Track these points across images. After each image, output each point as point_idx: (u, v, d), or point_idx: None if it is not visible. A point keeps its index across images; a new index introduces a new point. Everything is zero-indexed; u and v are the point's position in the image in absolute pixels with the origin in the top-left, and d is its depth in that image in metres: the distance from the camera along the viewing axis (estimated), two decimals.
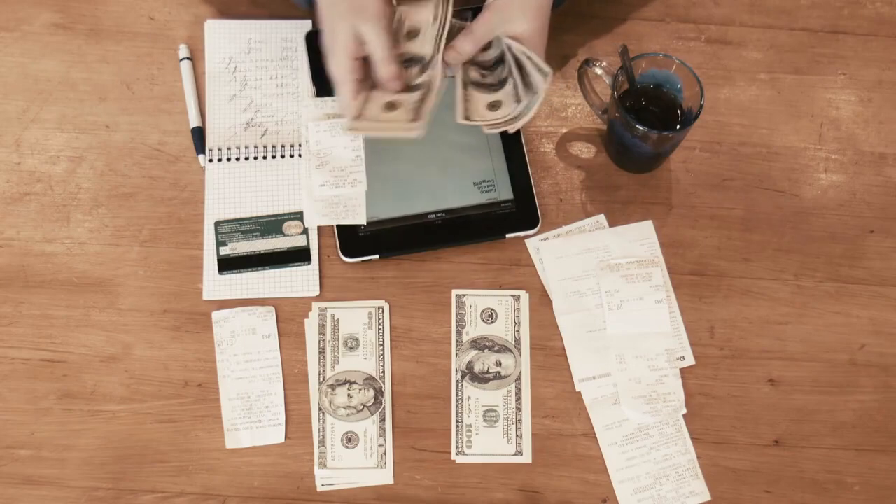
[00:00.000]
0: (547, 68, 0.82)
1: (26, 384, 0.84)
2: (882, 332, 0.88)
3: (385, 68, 0.82)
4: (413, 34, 0.85)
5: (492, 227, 0.89)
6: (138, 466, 0.82)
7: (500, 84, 0.86)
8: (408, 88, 0.84)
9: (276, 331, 0.86)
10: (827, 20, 1.00)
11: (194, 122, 0.92)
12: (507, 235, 0.89)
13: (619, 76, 0.86)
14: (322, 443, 0.83)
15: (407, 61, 0.85)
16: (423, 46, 0.85)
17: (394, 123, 0.83)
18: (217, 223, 0.89)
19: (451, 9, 0.85)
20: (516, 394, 0.85)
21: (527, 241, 0.90)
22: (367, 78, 0.83)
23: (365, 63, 0.83)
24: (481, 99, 0.86)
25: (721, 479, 0.83)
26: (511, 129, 0.85)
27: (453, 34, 0.86)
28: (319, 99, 0.92)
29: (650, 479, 0.82)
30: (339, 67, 0.82)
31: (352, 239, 0.88)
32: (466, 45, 0.85)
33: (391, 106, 0.83)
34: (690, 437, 0.84)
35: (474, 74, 0.87)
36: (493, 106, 0.85)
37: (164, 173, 0.91)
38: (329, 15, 0.82)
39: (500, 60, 0.87)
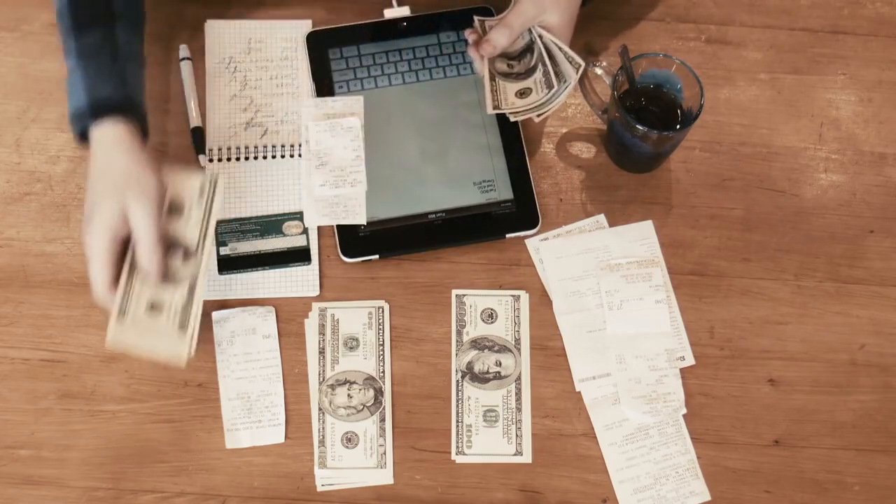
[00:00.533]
0: (579, 60, 0.85)
1: (26, 384, 0.84)
2: (882, 332, 0.88)
3: (148, 256, 0.74)
4: (176, 209, 0.79)
5: (492, 227, 0.89)
6: (138, 466, 0.82)
7: (528, 73, 0.87)
8: (170, 282, 0.77)
9: (276, 331, 0.86)
10: (827, 20, 1.00)
11: (194, 122, 0.92)
12: (507, 235, 0.89)
13: (619, 76, 0.86)
14: (322, 443, 0.83)
15: (169, 248, 0.78)
16: (186, 228, 0.78)
17: (159, 338, 0.76)
18: (217, 223, 0.89)
19: (218, 189, 0.79)
20: (516, 394, 0.85)
21: (527, 241, 0.90)
22: (122, 261, 0.76)
23: (123, 246, 0.76)
24: (510, 88, 0.87)
25: (721, 479, 0.83)
26: (538, 117, 0.87)
27: (484, 32, 0.87)
28: (319, 99, 0.92)
29: (650, 479, 0.82)
30: (97, 245, 0.74)
31: (352, 239, 0.88)
32: (502, 38, 0.85)
33: (155, 307, 0.76)
34: (690, 437, 0.84)
35: (501, 66, 0.88)
36: (523, 94, 0.87)
37: None
38: (96, 184, 0.75)
39: (527, 50, 0.88)
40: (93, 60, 0.79)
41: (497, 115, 0.90)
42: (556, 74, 0.86)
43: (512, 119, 0.88)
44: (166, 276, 0.77)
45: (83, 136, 0.78)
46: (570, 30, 0.87)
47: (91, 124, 0.77)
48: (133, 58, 0.82)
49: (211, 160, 0.91)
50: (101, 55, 0.79)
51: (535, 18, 0.85)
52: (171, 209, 0.78)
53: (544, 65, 0.86)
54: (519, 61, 0.89)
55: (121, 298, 0.76)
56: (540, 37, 0.86)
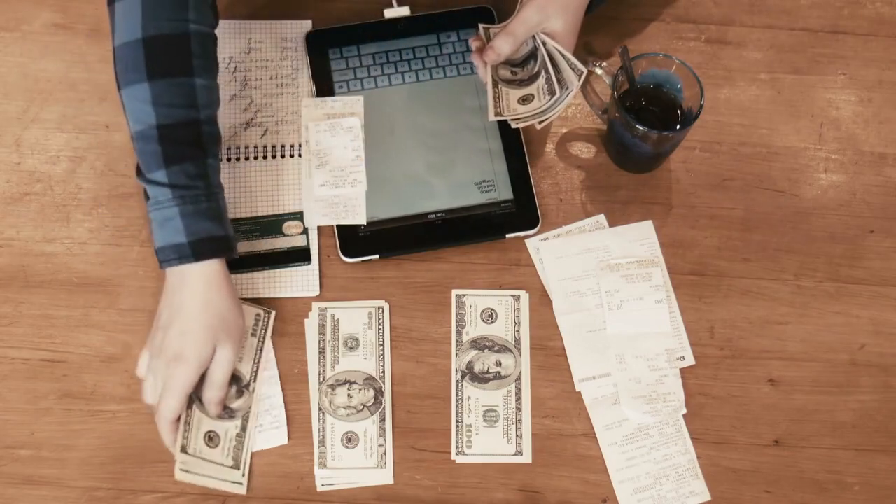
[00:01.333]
0: (582, 67, 0.84)
1: (26, 384, 0.84)
2: (882, 332, 0.88)
3: (218, 394, 0.78)
4: None
5: (492, 227, 0.89)
6: (138, 466, 0.82)
7: (531, 80, 0.87)
8: (225, 413, 0.80)
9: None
10: (827, 20, 1.00)
11: None
12: (507, 235, 0.89)
13: (619, 76, 0.86)
14: (322, 443, 0.83)
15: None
16: (241, 363, 0.82)
17: (217, 469, 0.79)
18: None
19: (270, 324, 0.83)
20: (516, 394, 0.85)
21: (527, 241, 0.90)
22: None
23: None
24: (513, 95, 0.87)
25: (721, 479, 0.83)
26: (539, 124, 0.87)
27: (488, 39, 0.87)
28: (319, 99, 0.93)
29: (650, 479, 0.82)
30: (188, 377, 0.75)
31: (352, 239, 0.88)
32: (505, 45, 0.85)
33: (211, 438, 0.79)
34: (690, 437, 0.84)
35: (504, 73, 0.88)
36: (525, 100, 0.87)
37: None
38: (194, 319, 0.76)
39: (530, 57, 0.88)
40: (188, 195, 0.76)
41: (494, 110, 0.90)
42: (559, 81, 0.85)
43: (514, 126, 0.88)
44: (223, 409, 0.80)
45: (173, 266, 0.77)
46: (574, 37, 0.87)
47: (190, 263, 0.76)
48: (221, 185, 0.80)
49: None
50: (195, 189, 0.76)
51: (539, 25, 0.85)
52: None
53: (547, 71, 0.86)
54: (522, 68, 0.89)
55: (184, 431, 0.77)
56: (543, 43, 0.86)
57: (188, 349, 0.75)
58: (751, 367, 0.87)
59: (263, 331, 0.84)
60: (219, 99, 0.81)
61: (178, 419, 0.77)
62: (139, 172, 0.77)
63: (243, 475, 0.80)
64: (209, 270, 0.77)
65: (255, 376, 0.83)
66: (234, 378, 0.81)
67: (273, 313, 0.85)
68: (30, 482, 0.81)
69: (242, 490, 0.80)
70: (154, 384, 0.77)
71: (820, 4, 1.00)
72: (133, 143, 0.78)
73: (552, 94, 0.85)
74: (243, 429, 0.81)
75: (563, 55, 0.85)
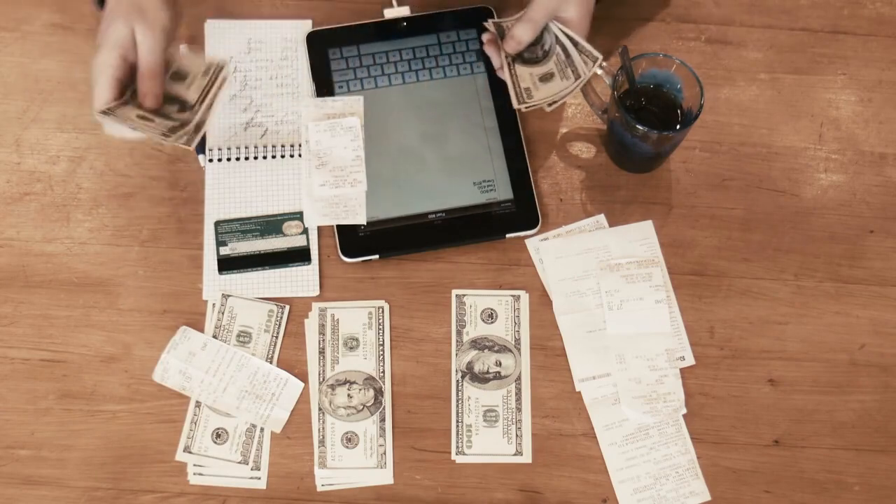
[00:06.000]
0: (596, 53, 0.86)
1: (26, 384, 0.84)
2: (882, 332, 0.88)
3: (149, 81, 0.78)
4: (179, 76, 0.82)
5: (492, 227, 0.89)
6: (138, 466, 0.82)
7: (546, 57, 0.88)
8: (162, 116, 0.80)
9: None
10: (827, 20, 1.00)
11: None
12: (507, 235, 0.89)
13: (619, 76, 0.86)
14: (322, 443, 0.83)
15: (168, 99, 0.81)
16: (188, 92, 0.82)
17: (148, 126, 0.79)
18: (217, 223, 0.89)
19: (224, 77, 0.83)
20: (516, 394, 0.85)
21: (527, 241, 0.90)
22: (125, 85, 0.79)
23: (129, 71, 0.79)
24: (535, 73, 0.87)
25: (721, 479, 0.83)
26: (549, 106, 0.88)
27: (501, 34, 0.87)
28: (319, 99, 0.93)
29: (650, 479, 0.82)
30: (104, 59, 0.77)
31: (352, 239, 0.88)
32: (525, 33, 0.86)
33: (144, 118, 0.79)
34: (690, 437, 0.84)
35: (521, 70, 0.89)
36: (545, 78, 0.87)
37: (164, 173, 0.91)
38: (111, 11, 0.79)
39: (539, 44, 0.88)
40: None
41: (497, 115, 0.90)
42: (570, 66, 0.87)
43: (522, 110, 0.88)
44: (159, 103, 0.79)
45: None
46: (587, 24, 0.88)
47: None
48: None
49: (211, 160, 0.91)
50: None
51: (556, 10, 0.86)
52: (174, 76, 0.82)
53: (566, 53, 0.87)
54: (533, 53, 0.89)
55: (114, 103, 0.77)
56: (560, 29, 0.87)
57: (102, 35, 0.78)
58: (751, 367, 0.87)
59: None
60: None
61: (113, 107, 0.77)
62: None
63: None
64: None
65: (199, 106, 0.81)
66: (178, 100, 0.81)
67: (287, 308, 0.85)
68: (30, 482, 0.81)
69: (175, 143, 0.79)
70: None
71: (820, 4, 1.00)
72: None
73: (563, 78, 0.86)
74: (181, 124, 0.80)
75: (575, 42, 0.86)
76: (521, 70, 0.88)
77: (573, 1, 0.86)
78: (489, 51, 0.89)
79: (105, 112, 0.77)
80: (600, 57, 0.86)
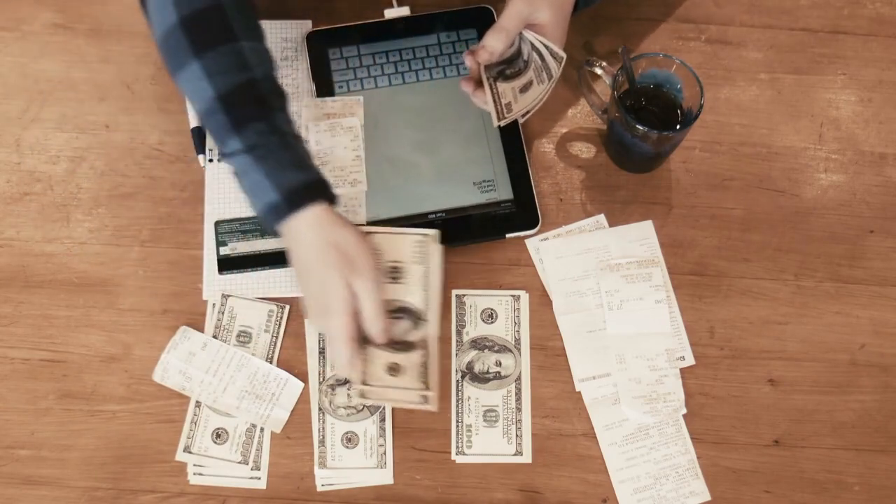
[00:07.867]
0: (561, 53, 0.84)
1: (26, 384, 0.84)
2: (882, 332, 0.88)
3: (375, 324, 0.77)
4: (396, 274, 0.82)
5: (492, 227, 0.89)
6: (138, 466, 0.82)
7: (525, 68, 0.86)
8: (404, 347, 0.80)
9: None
10: (827, 20, 1.00)
11: (194, 122, 0.92)
12: (507, 235, 0.89)
13: (619, 76, 0.86)
14: (322, 443, 0.83)
15: (395, 312, 0.81)
16: (409, 293, 0.81)
17: (405, 392, 0.79)
18: (217, 223, 0.89)
19: (433, 250, 0.82)
20: (516, 394, 0.85)
21: (527, 241, 0.90)
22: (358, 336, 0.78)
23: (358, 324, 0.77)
24: (512, 87, 0.86)
25: (721, 479, 0.83)
26: (522, 117, 0.88)
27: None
28: (319, 99, 0.93)
29: (650, 479, 0.82)
30: (341, 327, 0.75)
31: None
32: (498, 43, 0.83)
33: (394, 369, 0.79)
34: (690, 437, 0.84)
35: (495, 71, 0.87)
36: (525, 89, 0.86)
37: (164, 173, 0.91)
38: (319, 267, 0.76)
39: (517, 56, 0.87)
40: (266, 153, 0.76)
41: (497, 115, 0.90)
42: (545, 70, 0.85)
43: (499, 125, 0.86)
44: (396, 341, 0.79)
45: (278, 225, 0.77)
46: (562, 29, 0.85)
47: (290, 215, 0.76)
48: (298, 134, 0.80)
49: (211, 160, 0.91)
50: (271, 145, 0.76)
51: (529, 17, 0.84)
52: (392, 274, 0.81)
53: (540, 59, 0.85)
54: (512, 65, 0.88)
55: (361, 368, 0.79)
56: (533, 38, 0.85)
57: (327, 297, 0.75)
58: (751, 367, 0.87)
59: (277, 325, 0.85)
60: (272, 59, 0.80)
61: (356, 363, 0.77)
62: (220, 154, 0.77)
63: (435, 392, 0.79)
64: (312, 216, 0.76)
65: (430, 306, 0.81)
66: (405, 311, 0.80)
67: (287, 308, 0.86)
68: (30, 482, 0.82)
69: (433, 405, 0.79)
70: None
71: (820, 4, 1.00)
72: (204, 126, 0.78)
73: (549, 78, 0.86)
74: (424, 358, 0.80)
75: (544, 45, 0.84)
76: (503, 86, 0.86)
77: (545, 4, 0.83)
78: (468, 62, 0.86)
79: (364, 391, 0.78)
80: (564, 56, 0.84)
